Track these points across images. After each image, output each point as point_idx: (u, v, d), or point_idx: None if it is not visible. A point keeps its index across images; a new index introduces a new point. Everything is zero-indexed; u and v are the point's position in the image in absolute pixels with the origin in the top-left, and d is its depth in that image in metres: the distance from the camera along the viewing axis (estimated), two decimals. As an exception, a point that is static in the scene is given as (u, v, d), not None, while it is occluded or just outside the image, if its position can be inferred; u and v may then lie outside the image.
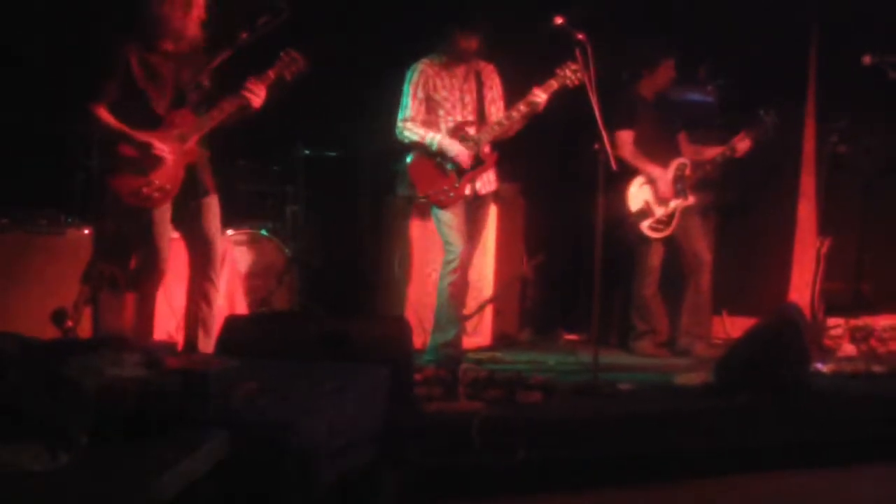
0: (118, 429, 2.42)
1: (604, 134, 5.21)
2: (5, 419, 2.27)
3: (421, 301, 6.42)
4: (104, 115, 4.76)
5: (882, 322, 6.65)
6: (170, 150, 4.75)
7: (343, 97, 6.91)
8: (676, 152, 6.65)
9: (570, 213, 6.73)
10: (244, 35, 4.80)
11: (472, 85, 5.88)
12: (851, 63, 6.23)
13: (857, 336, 6.57)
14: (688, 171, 6.56)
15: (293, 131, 6.95)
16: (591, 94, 5.19)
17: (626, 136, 6.52)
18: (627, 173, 6.50)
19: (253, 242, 6.67)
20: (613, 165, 5.28)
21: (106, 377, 2.58)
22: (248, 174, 6.98)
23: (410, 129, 5.80)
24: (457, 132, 5.80)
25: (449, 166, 5.75)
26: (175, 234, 5.03)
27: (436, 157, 5.77)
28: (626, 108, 6.55)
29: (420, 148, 5.80)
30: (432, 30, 5.89)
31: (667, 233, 6.57)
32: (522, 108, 5.69)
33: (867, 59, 6.13)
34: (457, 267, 5.80)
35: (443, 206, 5.79)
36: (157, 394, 2.57)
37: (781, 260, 7.36)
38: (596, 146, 5.25)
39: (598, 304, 5.37)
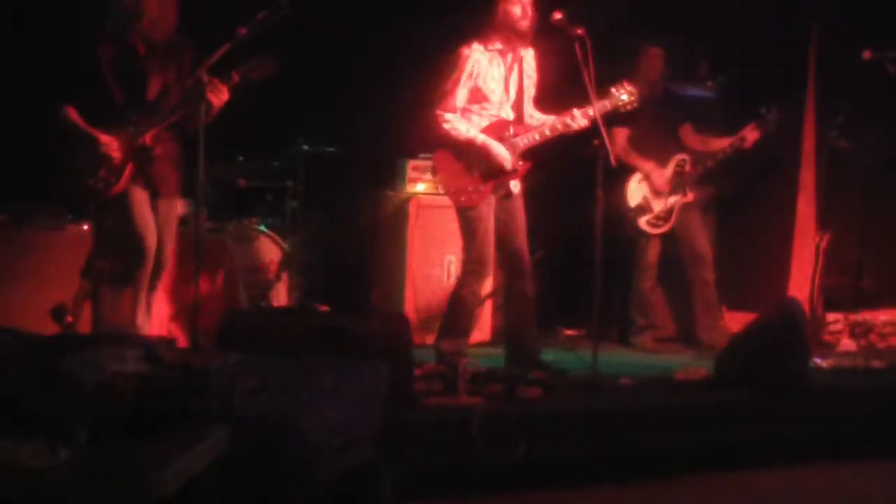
0: (118, 424, 2.42)
1: (603, 130, 5.20)
2: (5, 415, 2.27)
3: (420, 297, 6.42)
4: (72, 114, 4.89)
5: (881, 317, 6.66)
6: (118, 146, 4.84)
7: (343, 92, 6.90)
8: (677, 147, 6.66)
9: (570, 209, 6.73)
10: (242, 31, 4.78)
11: (518, 76, 5.49)
12: (851, 58, 6.23)
13: (856, 331, 6.57)
14: (688, 167, 6.58)
15: (293, 127, 6.94)
16: (589, 89, 5.18)
17: (619, 133, 6.54)
18: (627, 169, 6.52)
19: (252, 238, 6.66)
20: (613, 162, 5.26)
21: (106, 372, 2.57)
22: (247, 169, 6.97)
23: (452, 121, 5.34)
24: (496, 130, 5.41)
25: (479, 166, 5.36)
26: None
27: (467, 155, 5.38)
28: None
29: (452, 142, 5.39)
30: (482, 9, 5.46)
31: (665, 228, 6.59)
32: (559, 126, 5.35)
33: (867, 54, 6.13)
34: (480, 275, 5.44)
35: (462, 205, 5.39)
36: (157, 389, 2.57)
37: (781, 255, 7.36)
38: (595, 142, 5.24)
39: (598, 300, 5.36)
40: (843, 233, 7.11)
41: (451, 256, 6.49)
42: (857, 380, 5.66)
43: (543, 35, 5.41)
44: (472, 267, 5.42)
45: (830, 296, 7.09)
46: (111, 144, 4.84)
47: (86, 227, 5.49)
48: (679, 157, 6.61)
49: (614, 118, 6.26)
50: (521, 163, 5.40)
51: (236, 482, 2.54)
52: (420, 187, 6.61)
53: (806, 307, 6.81)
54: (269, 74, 4.87)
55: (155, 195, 5.02)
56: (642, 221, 6.59)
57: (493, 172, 5.37)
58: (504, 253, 5.48)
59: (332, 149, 7.03)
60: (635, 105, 5.38)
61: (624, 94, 5.34)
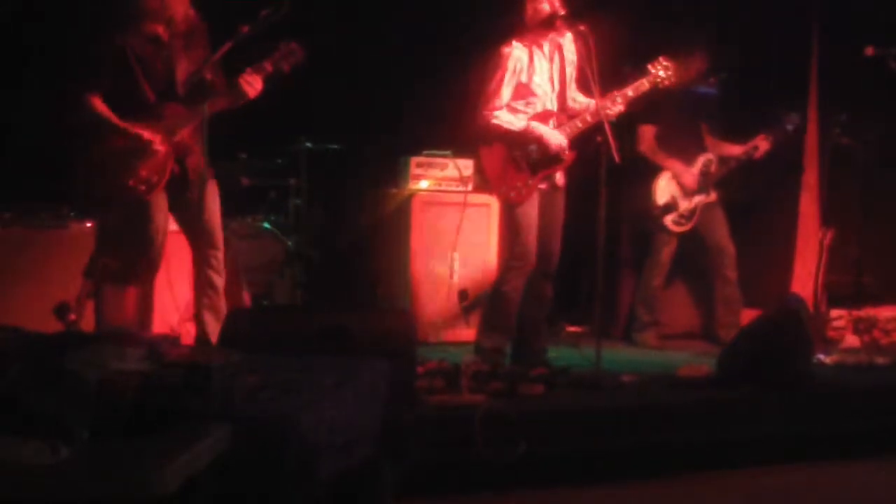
0: (119, 422, 2.42)
1: (607, 126, 5.18)
2: (6, 413, 2.28)
3: (424, 294, 6.42)
4: (97, 104, 4.75)
5: (885, 313, 6.65)
6: (158, 143, 4.74)
7: (346, 90, 6.90)
8: (700, 147, 6.70)
9: (575, 206, 6.73)
10: (245, 28, 4.78)
11: (559, 65, 5.44)
12: (853, 55, 6.22)
13: (859, 327, 6.56)
14: (713, 168, 6.61)
15: (296, 124, 6.95)
16: (593, 85, 5.16)
17: (646, 131, 6.59)
18: (654, 167, 6.59)
19: (255, 235, 6.68)
20: (616, 158, 5.23)
21: (108, 371, 2.58)
22: (250, 167, 6.98)
23: (500, 116, 5.27)
24: (540, 122, 5.33)
25: (528, 159, 5.30)
26: (173, 227, 5.04)
27: (516, 149, 5.32)
28: (649, 101, 6.55)
29: (503, 138, 5.32)
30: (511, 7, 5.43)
31: (687, 227, 6.65)
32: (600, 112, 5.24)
33: (870, 51, 6.12)
34: (524, 270, 5.36)
35: (512, 202, 5.34)
36: (158, 387, 2.57)
37: (784, 252, 7.35)
38: (598, 139, 5.23)
39: (600, 297, 5.36)
40: (847, 229, 7.11)
41: (454, 253, 6.48)
42: (860, 376, 5.66)
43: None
44: (514, 263, 5.38)
45: (834, 292, 7.09)
46: (156, 140, 4.73)
47: (88, 226, 5.49)
48: (706, 156, 6.67)
49: (640, 116, 6.32)
50: (567, 152, 5.36)
51: (237, 481, 2.55)
52: (423, 184, 6.61)
53: (809, 304, 6.84)
54: (298, 62, 4.85)
55: (192, 186, 4.90)
56: (668, 220, 6.64)
57: (543, 164, 5.33)
58: (537, 250, 5.43)
59: (335, 146, 7.05)
60: (673, 81, 5.35)
61: (661, 71, 5.32)
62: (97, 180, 4.83)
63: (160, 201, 4.86)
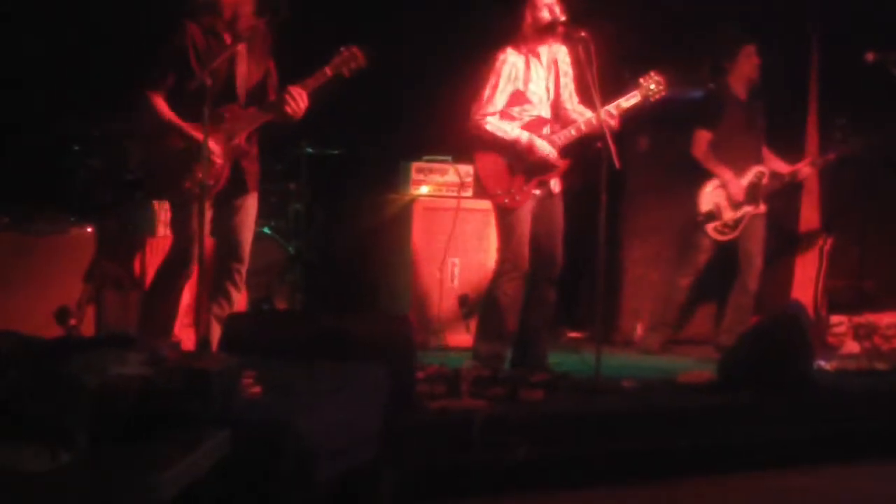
0: (119, 427, 2.41)
1: (608, 132, 5.17)
2: (5, 418, 2.27)
3: (424, 299, 6.42)
4: (160, 104, 4.70)
5: (885, 319, 6.65)
6: (218, 148, 4.68)
7: (346, 95, 6.90)
8: (758, 158, 6.67)
9: (576, 211, 6.73)
10: (245, 32, 4.76)
11: (554, 74, 5.45)
12: (854, 60, 6.22)
13: (860, 333, 6.57)
14: (765, 181, 6.58)
15: (296, 129, 6.94)
16: (593, 91, 5.16)
17: (702, 136, 6.56)
18: (704, 173, 6.57)
19: (255, 240, 6.66)
20: (617, 164, 5.22)
21: (107, 375, 2.57)
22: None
23: (493, 123, 5.26)
24: (533, 129, 5.32)
25: (522, 165, 5.29)
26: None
27: (509, 156, 5.30)
28: (709, 105, 6.53)
29: (496, 144, 5.31)
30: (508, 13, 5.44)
31: (731, 237, 6.60)
32: (594, 121, 5.22)
33: (870, 57, 6.12)
34: (515, 276, 5.33)
35: (506, 207, 5.31)
36: (158, 392, 2.57)
37: (785, 257, 7.35)
38: (598, 144, 5.22)
39: (601, 302, 5.35)
40: (847, 235, 7.11)
41: (454, 259, 6.48)
42: (860, 382, 5.66)
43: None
44: (505, 268, 5.37)
45: (834, 298, 7.09)
46: (216, 150, 4.65)
47: (89, 230, 5.48)
48: (758, 168, 6.61)
49: (698, 120, 6.46)
50: (560, 160, 5.34)
51: (236, 486, 2.55)
52: (423, 189, 6.61)
53: (810, 309, 6.84)
54: (360, 66, 4.80)
55: (242, 192, 4.88)
56: (710, 228, 6.60)
57: (537, 170, 5.31)
58: (537, 256, 5.41)
59: (336, 151, 7.05)
60: (664, 94, 5.34)
61: (652, 84, 5.32)
62: (152, 181, 4.87)
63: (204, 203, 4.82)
